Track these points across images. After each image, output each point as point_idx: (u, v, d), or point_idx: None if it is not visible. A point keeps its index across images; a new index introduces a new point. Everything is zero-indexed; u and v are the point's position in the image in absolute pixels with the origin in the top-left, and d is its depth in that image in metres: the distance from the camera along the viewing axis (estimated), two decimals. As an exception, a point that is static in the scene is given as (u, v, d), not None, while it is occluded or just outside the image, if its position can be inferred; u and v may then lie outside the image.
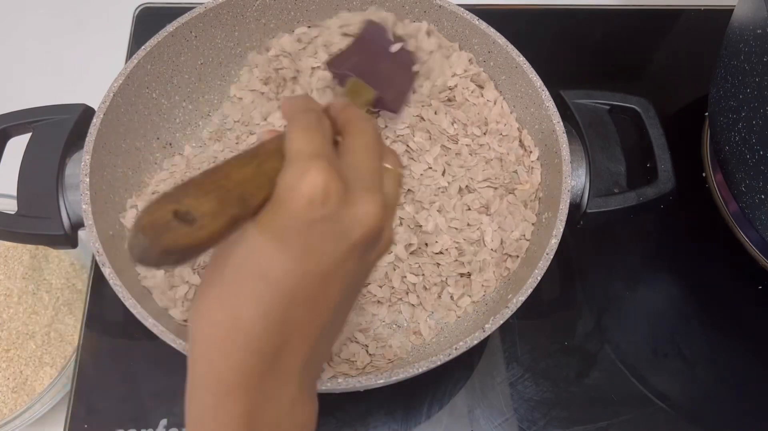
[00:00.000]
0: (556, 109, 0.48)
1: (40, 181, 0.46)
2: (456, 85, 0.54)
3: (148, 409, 0.50)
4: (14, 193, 0.46)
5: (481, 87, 0.55)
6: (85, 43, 0.71)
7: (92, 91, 0.50)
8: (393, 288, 0.49)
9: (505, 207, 0.51)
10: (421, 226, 0.50)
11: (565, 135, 0.48)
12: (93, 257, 0.55)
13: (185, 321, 0.45)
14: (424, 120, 0.53)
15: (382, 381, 0.40)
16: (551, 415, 0.52)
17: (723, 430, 0.53)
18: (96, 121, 0.46)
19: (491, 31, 0.52)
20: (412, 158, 0.52)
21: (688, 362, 0.54)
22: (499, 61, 0.53)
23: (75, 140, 0.47)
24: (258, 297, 0.25)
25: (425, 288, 0.49)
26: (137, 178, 0.51)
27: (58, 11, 0.74)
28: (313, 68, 0.52)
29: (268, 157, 0.26)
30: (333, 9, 0.55)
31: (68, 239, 0.46)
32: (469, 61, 0.55)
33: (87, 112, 0.49)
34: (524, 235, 0.50)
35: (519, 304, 0.42)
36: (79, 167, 0.44)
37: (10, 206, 0.53)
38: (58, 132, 0.47)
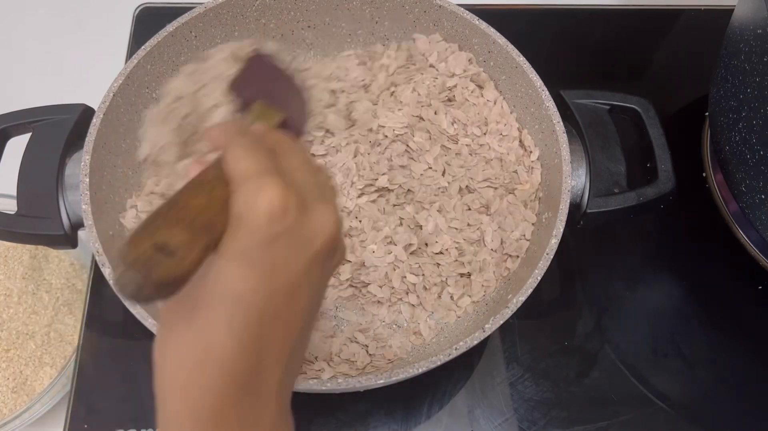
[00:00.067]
0: (556, 109, 0.48)
1: (40, 181, 0.46)
2: (456, 85, 0.54)
3: (148, 409, 0.50)
4: (14, 193, 0.46)
5: (481, 87, 0.55)
6: (85, 43, 0.71)
7: (92, 91, 0.50)
8: (393, 288, 0.49)
9: (505, 207, 0.51)
10: (421, 226, 0.50)
11: (565, 135, 0.48)
12: (93, 257, 0.55)
13: None
14: (424, 120, 0.53)
15: (382, 381, 0.40)
16: (551, 415, 0.52)
17: (723, 430, 0.53)
18: (96, 121, 0.46)
19: (491, 31, 0.52)
20: (412, 158, 0.52)
21: (688, 362, 0.54)
22: (499, 61, 0.53)
23: (75, 140, 0.47)
24: (228, 320, 0.24)
25: (425, 289, 0.49)
26: (137, 178, 0.51)
27: (58, 11, 0.74)
28: (215, 105, 0.47)
29: (215, 184, 0.26)
30: (333, 9, 0.55)
31: (68, 239, 0.46)
32: (469, 61, 0.55)
33: (87, 112, 0.49)
34: (524, 235, 0.50)
35: (519, 304, 0.42)
36: (79, 167, 0.44)
37: (10, 206, 0.53)
38: (58, 132, 0.47)
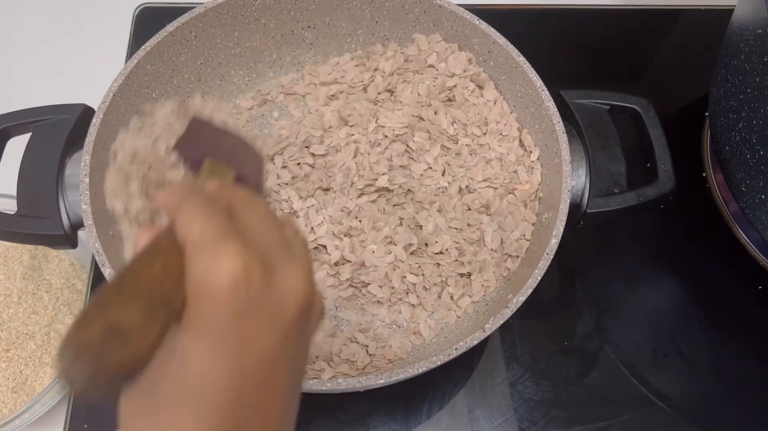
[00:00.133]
0: (556, 109, 0.48)
1: (40, 181, 0.46)
2: (456, 85, 0.54)
3: (148, 409, 0.50)
4: (14, 193, 0.46)
5: (481, 87, 0.55)
6: (85, 43, 0.71)
7: (92, 91, 0.50)
8: (393, 288, 0.49)
9: (505, 207, 0.51)
10: (421, 226, 0.50)
11: (565, 135, 0.48)
12: (93, 257, 0.55)
13: None
14: (424, 120, 0.53)
15: (382, 381, 0.40)
16: (551, 415, 0.52)
17: (723, 430, 0.53)
18: (96, 121, 0.46)
19: (491, 31, 0.51)
20: (412, 158, 0.52)
21: (688, 362, 0.54)
22: (499, 61, 0.53)
23: (75, 140, 0.47)
24: (199, 409, 0.22)
25: (425, 289, 0.49)
26: (137, 178, 0.51)
27: (58, 11, 0.74)
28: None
29: (168, 253, 0.23)
30: (333, 9, 0.55)
31: (68, 239, 0.46)
32: (469, 61, 0.55)
33: (87, 112, 0.49)
34: (524, 235, 0.50)
35: (519, 304, 0.42)
36: (79, 167, 0.44)
37: (10, 206, 0.53)
38: (58, 132, 0.47)
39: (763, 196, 0.48)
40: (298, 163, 0.52)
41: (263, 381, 0.23)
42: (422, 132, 0.53)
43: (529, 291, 0.42)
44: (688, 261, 0.59)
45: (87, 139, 0.45)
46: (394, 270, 0.49)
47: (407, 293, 0.49)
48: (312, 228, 0.49)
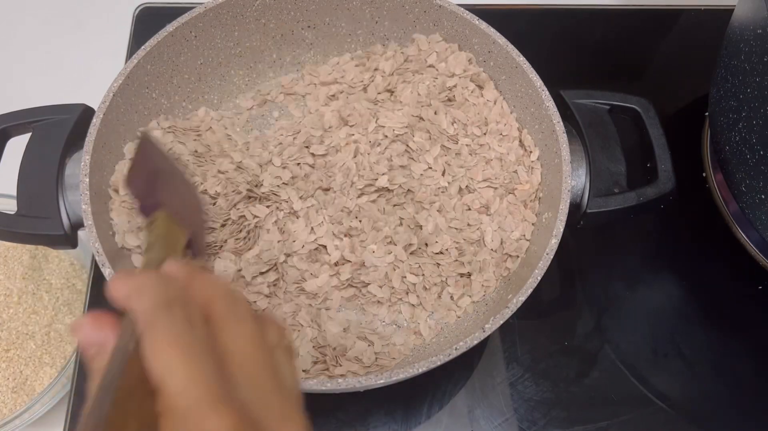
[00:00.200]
0: (556, 109, 0.48)
1: (40, 181, 0.46)
2: (456, 85, 0.54)
3: (148, 409, 0.50)
4: (14, 193, 0.46)
5: (481, 87, 0.55)
6: (85, 43, 0.71)
7: (92, 91, 0.50)
8: (393, 288, 0.49)
9: (505, 207, 0.51)
10: (421, 226, 0.50)
11: (565, 135, 0.48)
12: (93, 257, 0.55)
13: None
14: (423, 120, 0.53)
15: (382, 381, 0.40)
16: (551, 415, 0.52)
17: (723, 430, 0.53)
18: (96, 121, 0.46)
19: (491, 31, 0.51)
20: (412, 158, 0.52)
21: (688, 362, 0.54)
22: (499, 61, 0.53)
23: (75, 140, 0.47)
24: None
25: (425, 289, 0.49)
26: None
27: (58, 11, 0.74)
28: None
29: (140, 398, 0.19)
30: (333, 9, 0.55)
31: (68, 239, 0.46)
32: (469, 61, 0.55)
33: (87, 112, 0.49)
34: (524, 235, 0.50)
35: (519, 304, 0.42)
36: (79, 167, 0.44)
37: (10, 206, 0.53)
38: (58, 132, 0.47)
39: (763, 196, 0.48)
40: (298, 163, 0.52)
41: None
42: (422, 132, 0.53)
43: (529, 291, 0.42)
44: (688, 261, 0.59)
45: (87, 139, 0.45)
46: (394, 270, 0.49)
47: (407, 293, 0.49)
48: (312, 229, 0.49)
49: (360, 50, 0.58)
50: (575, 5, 0.72)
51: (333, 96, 0.56)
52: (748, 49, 0.46)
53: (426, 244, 0.50)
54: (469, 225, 0.50)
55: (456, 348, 0.40)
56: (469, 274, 0.49)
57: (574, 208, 0.48)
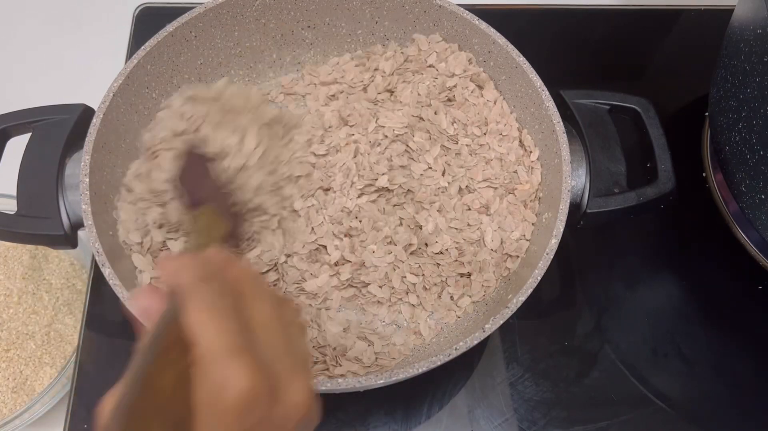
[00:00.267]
0: (556, 109, 0.48)
1: (40, 181, 0.46)
2: (456, 85, 0.54)
3: (148, 409, 0.50)
4: (14, 193, 0.46)
5: (481, 87, 0.55)
6: (85, 44, 0.71)
7: (92, 91, 0.50)
8: (393, 288, 0.49)
9: (505, 207, 0.51)
10: (421, 226, 0.50)
11: (565, 135, 0.48)
12: (93, 257, 0.55)
13: None
14: (423, 120, 0.53)
15: (382, 381, 0.40)
16: (551, 415, 0.52)
17: (723, 430, 0.53)
18: (96, 121, 0.46)
19: (491, 31, 0.52)
20: (412, 158, 0.52)
21: (688, 362, 0.54)
22: (499, 61, 0.53)
23: (75, 140, 0.47)
24: None
25: (425, 289, 0.49)
26: (137, 178, 0.51)
27: (58, 11, 0.74)
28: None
29: (179, 352, 0.23)
30: (333, 9, 0.55)
31: (68, 239, 0.46)
32: (469, 61, 0.55)
33: (87, 112, 0.49)
34: (524, 235, 0.50)
35: (519, 304, 0.42)
36: (79, 167, 0.44)
37: (10, 206, 0.53)
38: (58, 132, 0.47)
39: (763, 196, 0.48)
40: (300, 162, 0.52)
41: None
42: (422, 132, 0.53)
43: (529, 291, 0.42)
44: (688, 261, 0.59)
45: (87, 139, 0.45)
46: (394, 270, 0.49)
47: (407, 293, 0.49)
48: (312, 229, 0.49)
49: (360, 50, 0.58)
50: (575, 5, 0.72)
51: (333, 96, 0.56)
52: (748, 49, 0.46)
53: (426, 244, 0.50)
54: (469, 225, 0.50)
55: (456, 348, 0.40)
56: (469, 274, 0.49)
57: (574, 208, 0.48)
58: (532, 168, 0.51)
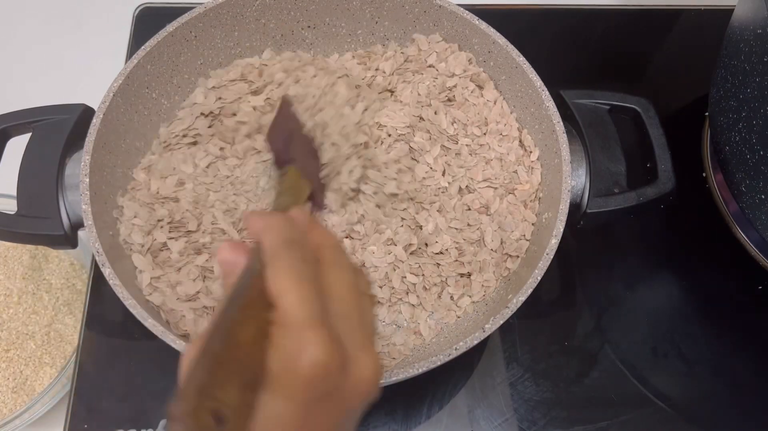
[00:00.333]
0: (556, 109, 0.48)
1: (40, 181, 0.46)
2: (456, 85, 0.54)
3: (147, 409, 0.50)
4: (14, 193, 0.46)
5: (480, 87, 0.55)
6: (85, 44, 0.71)
7: (92, 91, 0.50)
8: (393, 288, 0.49)
9: (505, 207, 0.51)
10: (421, 226, 0.50)
11: (565, 135, 0.48)
12: (93, 257, 0.55)
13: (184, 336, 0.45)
14: (423, 120, 0.53)
15: (382, 381, 0.40)
16: (551, 415, 0.52)
17: (723, 430, 0.53)
18: (96, 121, 0.46)
19: (491, 31, 0.52)
20: (416, 159, 0.52)
21: (688, 362, 0.54)
22: (499, 61, 0.53)
23: (75, 140, 0.47)
24: None
25: (425, 289, 0.49)
26: (137, 178, 0.51)
27: (58, 11, 0.74)
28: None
29: (260, 307, 0.25)
30: (333, 9, 0.55)
31: (68, 239, 0.46)
32: (469, 61, 0.55)
33: (87, 112, 0.49)
34: (524, 235, 0.50)
35: (519, 304, 0.42)
36: (79, 167, 0.44)
37: (10, 206, 0.53)
38: (58, 132, 0.47)
39: (763, 196, 0.48)
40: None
41: None
42: (422, 132, 0.53)
43: (529, 291, 0.42)
44: (688, 261, 0.59)
45: (87, 139, 0.45)
46: (394, 270, 0.49)
47: (407, 293, 0.49)
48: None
49: (360, 50, 0.58)
50: (575, 5, 0.72)
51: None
52: (748, 49, 0.46)
53: (426, 244, 0.50)
54: (469, 225, 0.50)
55: (456, 348, 0.40)
56: (469, 274, 0.49)
57: (574, 208, 0.48)
58: (532, 168, 0.51)
